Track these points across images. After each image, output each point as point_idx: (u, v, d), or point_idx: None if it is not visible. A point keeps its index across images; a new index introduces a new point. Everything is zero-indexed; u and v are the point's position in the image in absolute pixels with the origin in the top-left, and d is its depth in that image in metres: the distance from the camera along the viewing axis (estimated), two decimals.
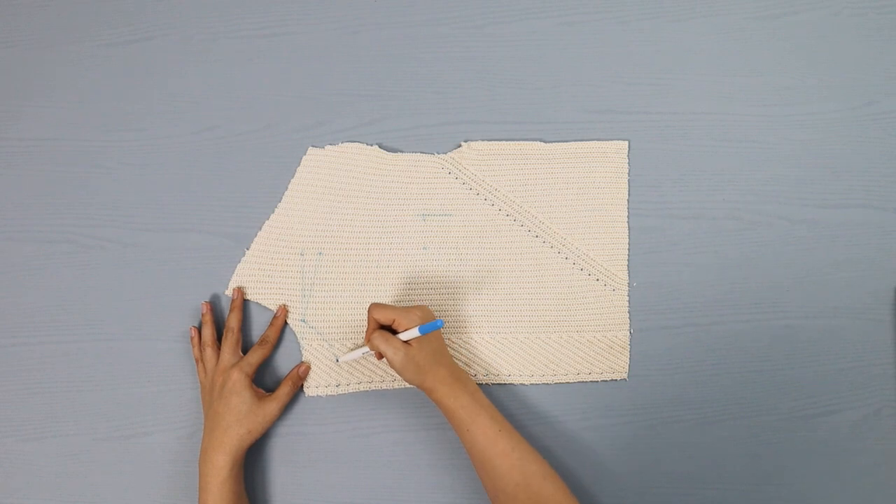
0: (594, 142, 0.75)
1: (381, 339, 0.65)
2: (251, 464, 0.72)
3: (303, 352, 0.73)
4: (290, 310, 0.73)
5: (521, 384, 0.73)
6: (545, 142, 0.75)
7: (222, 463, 0.66)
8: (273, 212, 0.75)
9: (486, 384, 0.73)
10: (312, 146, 0.75)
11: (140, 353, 0.74)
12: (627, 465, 0.72)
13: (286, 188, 0.75)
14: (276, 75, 0.77)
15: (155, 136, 0.76)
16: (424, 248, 0.74)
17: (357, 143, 0.75)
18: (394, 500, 0.72)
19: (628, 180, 0.75)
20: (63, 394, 0.73)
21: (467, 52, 0.77)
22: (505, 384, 0.73)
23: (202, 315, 0.73)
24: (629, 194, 0.75)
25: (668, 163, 0.75)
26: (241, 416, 0.67)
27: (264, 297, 0.73)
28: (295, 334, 0.73)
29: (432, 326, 0.63)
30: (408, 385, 0.73)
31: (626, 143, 0.75)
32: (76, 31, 0.77)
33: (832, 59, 0.77)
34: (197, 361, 0.72)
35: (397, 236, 0.74)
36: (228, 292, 0.73)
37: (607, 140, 0.75)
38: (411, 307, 0.66)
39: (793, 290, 0.74)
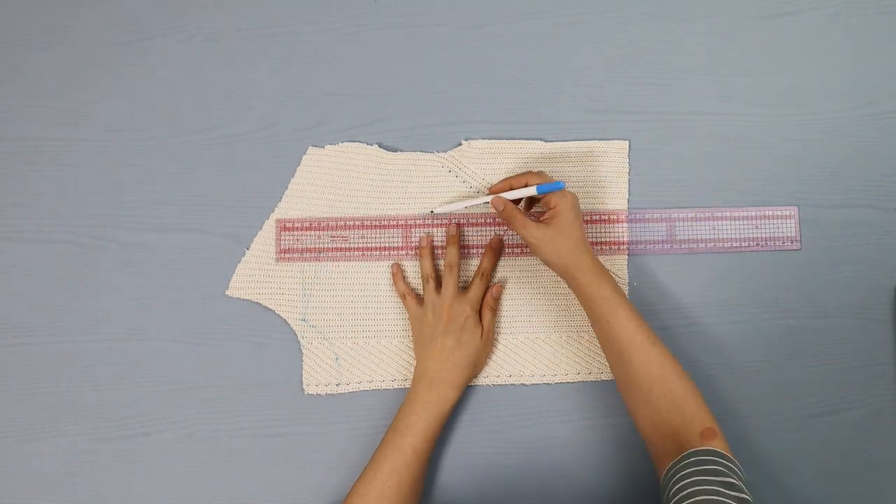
0: (595, 141, 0.75)
1: (517, 213, 0.66)
2: (252, 463, 0.72)
3: (303, 350, 0.73)
4: (290, 309, 0.73)
5: (522, 384, 0.73)
6: (545, 141, 0.75)
7: (450, 396, 0.67)
8: (273, 212, 0.75)
9: (487, 384, 0.73)
10: (312, 146, 0.75)
11: (140, 353, 0.74)
12: (627, 465, 0.72)
13: (286, 188, 0.75)
14: (276, 75, 0.77)
15: (155, 136, 0.76)
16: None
17: (357, 143, 0.75)
18: None
19: (629, 180, 0.75)
20: (63, 394, 0.73)
21: (467, 52, 0.77)
22: (505, 384, 0.73)
23: (421, 249, 0.72)
24: (629, 194, 0.75)
25: (668, 163, 0.75)
26: (473, 356, 0.68)
27: (264, 297, 0.73)
28: (295, 333, 0.73)
29: (553, 187, 0.64)
30: (407, 385, 0.73)
31: (627, 142, 0.75)
32: (76, 31, 0.77)
33: (832, 59, 0.77)
34: (404, 297, 0.71)
35: (397, 236, 0.74)
36: (230, 292, 0.73)
37: (607, 140, 0.75)
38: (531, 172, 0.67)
39: (793, 290, 0.74)
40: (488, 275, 0.72)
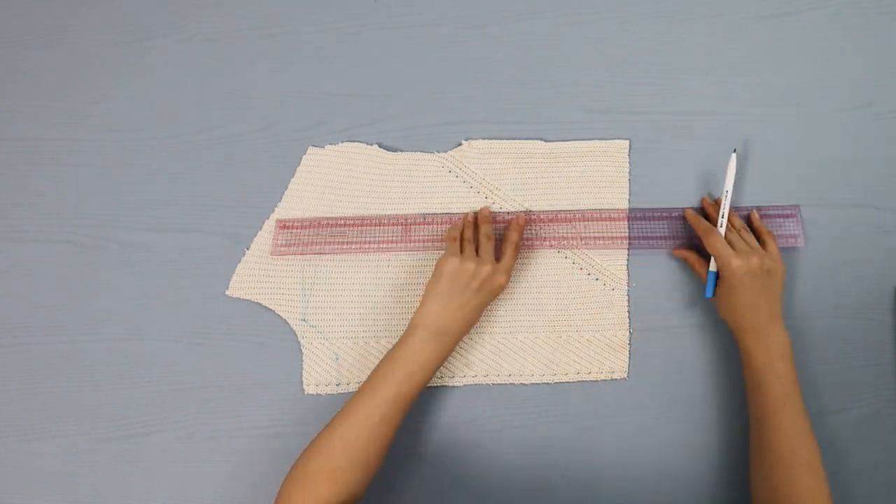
0: (595, 141, 0.75)
1: (695, 257, 0.71)
2: (251, 463, 0.72)
3: (303, 350, 0.73)
4: (290, 309, 0.73)
5: (521, 384, 0.73)
6: (545, 141, 0.75)
7: (450, 351, 0.67)
8: (273, 212, 0.75)
9: (487, 384, 0.73)
10: (312, 146, 0.75)
11: (140, 353, 0.74)
12: (627, 465, 0.72)
13: (286, 188, 0.75)
14: (276, 75, 0.77)
15: (155, 136, 0.76)
16: (424, 248, 0.74)
17: (357, 143, 0.75)
18: (394, 500, 0.72)
19: (629, 180, 0.75)
20: (63, 394, 0.73)
21: (467, 52, 0.77)
22: (505, 384, 0.73)
23: (465, 220, 0.72)
24: (629, 194, 0.75)
25: (668, 163, 0.75)
26: (481, 315, 0.69)
27: (264, 296, 0.73)
28: (295, 333, 0.73)
29: (710, 287, 0.67)
30: None
31: (627, 142, 0.75)
32: (76, 31, 0.77)
33: (832, 59, 0.77)
34: (454, 240, 0.70)
35: (397, 236, 0.74)
36: (230, 292, 0.73)
37: (608, 139, 0.75)
38: (755, 252, 0.67)
39: (793, 290, 0.74)
40: (517, 246, 0.71)
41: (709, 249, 0.68)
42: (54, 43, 0.77)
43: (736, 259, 0.65)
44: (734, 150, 0.71)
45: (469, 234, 0.71)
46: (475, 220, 0.73)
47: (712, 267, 0.69)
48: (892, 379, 0.74)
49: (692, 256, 0.72)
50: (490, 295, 0.67)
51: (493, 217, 0.73)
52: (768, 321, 0.66)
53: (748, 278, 0.65)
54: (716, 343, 0.74)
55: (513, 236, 0.71)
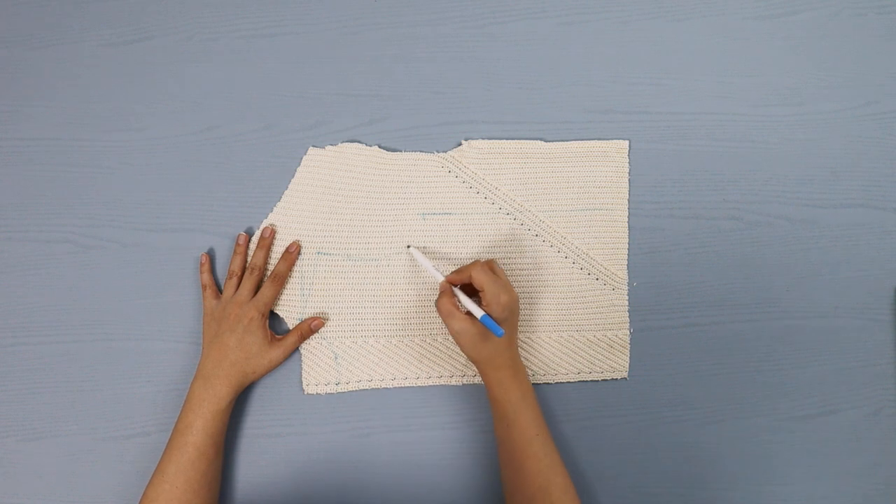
0: (595, 141, 0.75)
1: (448, 302, 0.64)
2: (251, 463, 0.72)
3: (302, 350, 0.73)
4: (289, 309, 0.73)
5: None
6: (545, 141, 0.75)
7: (224, 394, 0.67)
8: (273, 212, 0.75)
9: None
10: (312, 146, 0.75)
11: (140, 353, 0.74)
12: (627, 465, 0.72)
13: (286, 188, 0.75)
14: (276, 75, 0.77)
15: (155, 136, 0.76)
16: (424, 248, 0.74)
17: (357, 143, 0.75)
18: (394, 500, 0.72)
19: (629, 180, 0.75)
20: (63, 394, 0.73)
21: (467, 52, 0.77)
22: None
23: (237, 245, 0.73)
24: (629, 194, 0.75)
25: (668, 163, 0.75)
26: (251, 355, 0.68)
27: None
28: None
29: (493, 328, 0.62)
30: (407, 384, 0.73)
31: (627, 142, 0.75)
32: (76, 31, 0.77)
33: (832, 59, 0.77)
34: (204, 288, 0.72)
35: (397, 236, 0.74)
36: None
37: (607, 140, 0.75)
38: (504, 290, 0.63)
39: (793, 290, 0.74)
40: (281, 278, 0.71)
41: (477, 285, 0.64)
42: (54, 43, 0.77)
43: (506, 294, 0.64)
44: (408, 246, 0.72)
45: (234, 264, 0.71)
46: (245, 245, 0.73)
47: (482, 309, 0.64)
48: (892, 379, 0.74)
49: (452, 299, 0.66)
50: (244, 330, 0.68)
51: (269, 242, 0.73)
52: (518, 355, 0.67)
53: (514, 315, 0.66)
54: (716, 343, 0.74)
55: (278, 267, 0.71)
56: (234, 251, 0.73)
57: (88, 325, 0.74)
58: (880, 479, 0.73)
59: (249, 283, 0.70)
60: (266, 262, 0.72)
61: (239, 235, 0.73)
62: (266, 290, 0.70)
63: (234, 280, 0.71)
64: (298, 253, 0.73)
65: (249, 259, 0.73)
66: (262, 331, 0.69)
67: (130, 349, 0.74)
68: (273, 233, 0.73)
